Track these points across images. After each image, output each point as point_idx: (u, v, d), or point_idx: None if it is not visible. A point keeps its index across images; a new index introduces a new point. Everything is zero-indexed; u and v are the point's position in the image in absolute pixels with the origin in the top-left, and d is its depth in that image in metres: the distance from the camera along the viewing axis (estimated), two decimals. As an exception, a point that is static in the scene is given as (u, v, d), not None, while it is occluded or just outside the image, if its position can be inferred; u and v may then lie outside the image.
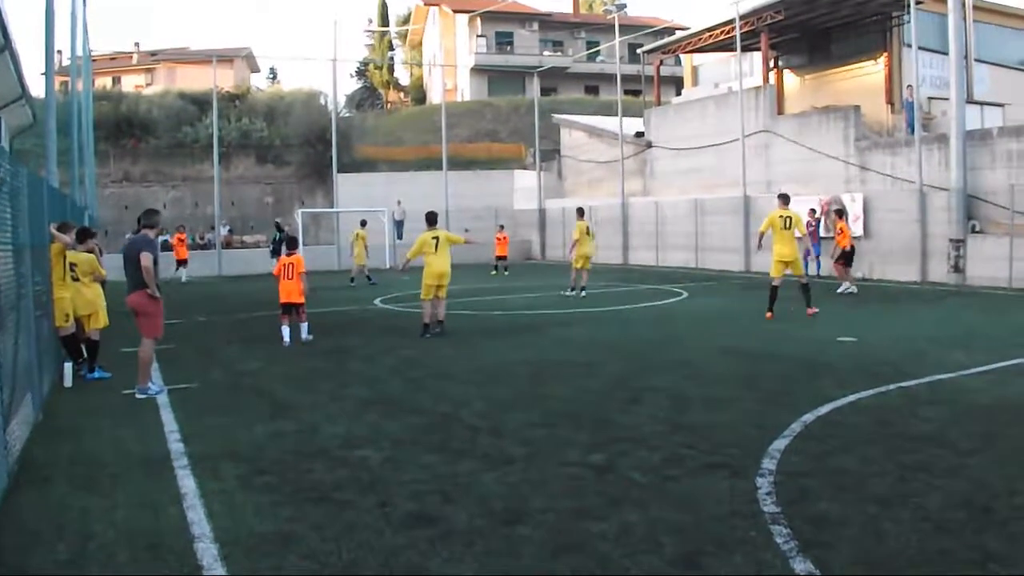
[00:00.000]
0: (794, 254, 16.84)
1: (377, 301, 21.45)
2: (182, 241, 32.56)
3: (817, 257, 26.37)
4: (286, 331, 14.59)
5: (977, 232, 23.53)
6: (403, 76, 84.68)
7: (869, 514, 5.67)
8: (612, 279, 27.71)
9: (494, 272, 31.15)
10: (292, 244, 15.67)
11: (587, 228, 22.14)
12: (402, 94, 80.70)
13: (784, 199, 17.30)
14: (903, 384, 10.03)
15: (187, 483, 6.69)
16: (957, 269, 23.46)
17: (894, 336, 14.18)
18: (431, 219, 15.72)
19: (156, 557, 5.26)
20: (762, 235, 17.16)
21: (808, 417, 8.35)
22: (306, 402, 9.83)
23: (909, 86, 27.99)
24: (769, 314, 16.69)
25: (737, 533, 5.37)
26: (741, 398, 9.53)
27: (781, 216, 16.78)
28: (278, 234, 33.39)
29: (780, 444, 7.37)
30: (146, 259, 9.98)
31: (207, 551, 5.28)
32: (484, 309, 19.45)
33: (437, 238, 15.28)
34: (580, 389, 10.24)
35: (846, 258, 22.08)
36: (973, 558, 4.95)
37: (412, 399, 9.86)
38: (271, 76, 78.66)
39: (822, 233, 26.77)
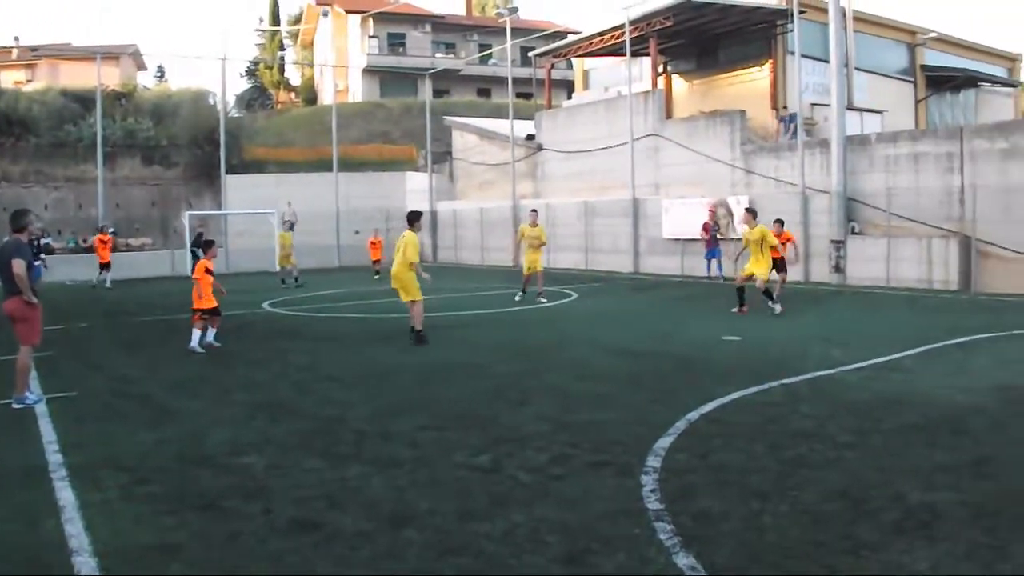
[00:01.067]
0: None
1: (266, 305, 21.13)
2: (105, 243, 30.32)
3: (719, 260, 26.88)
4: (197, 336, 13.96)
5: (857, 233, 24.30)
6: (294, 76, 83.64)
7: (750, 508, 5.80)
8: (503, 281, 27.76)
9: (376, 276, 30.56)
10: (208, 246, 15.02)
11: (527, 231, 21.22)
12: (293, 95, 79.63)
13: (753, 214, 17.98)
14: (785, 381, 10.26)
15: (65, 495, 6.46)
16: (838, 269, 24.19)
17: (777, 335, 14.52)
18: (411, 219, 14.60)
19: (33, 572, 5.10)
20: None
21: (693, 415, 8.48)
22: (191, 408, 9.60)
23: (784, 107, 28.80)
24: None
25: (622, 530, 5.43)
26: (628, 397, 9.65)
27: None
28: (197, 237, 32.64)
29: (665, 442, 7.47)
30: (18, 266, 9.43)
31: (85, 564, 5.13)
32: (374, 312, 19.33)
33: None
34: (469, 391, 10.23)
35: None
36: (847, 547, 5.11)
37: (299, 404, 9.71)
38: (158, 75, 77.00)
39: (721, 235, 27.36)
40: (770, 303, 16.97)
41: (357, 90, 67.51)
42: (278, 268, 29.75)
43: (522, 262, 21.15)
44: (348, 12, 68.28)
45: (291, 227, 33.09)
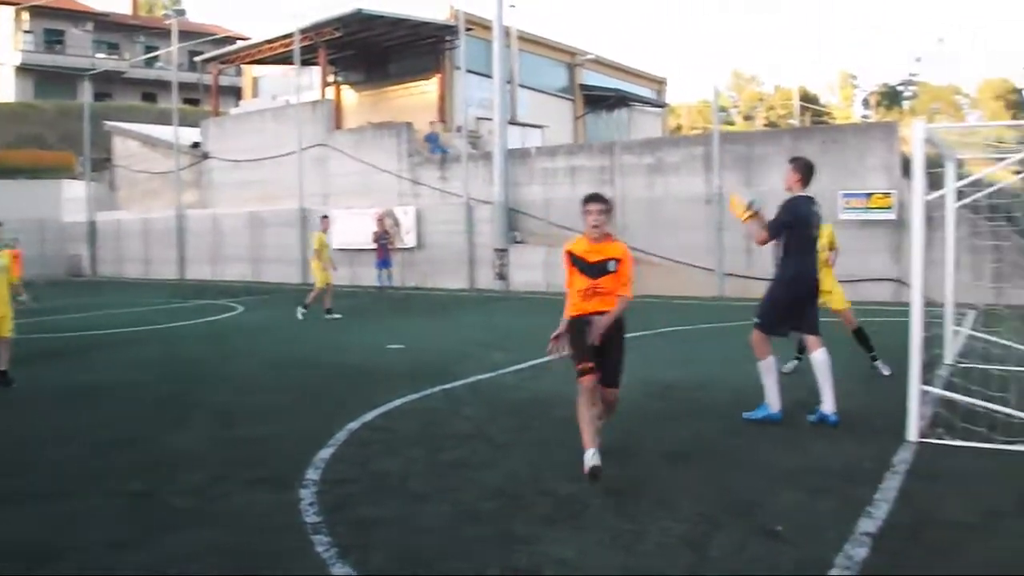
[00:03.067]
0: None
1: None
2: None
3: (389, 271, 26.96)
4: None
5: (519, 242, 25.32)
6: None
7: (409, 512, 5.82)
8: (167, 295, 26.65)
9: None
10: None
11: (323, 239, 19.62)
12: (-69, 92, 72.83)
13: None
14: (446, 386, 10.43)
15: None
16: (501, 276, 25.08)
17: (441, 341, 14.82)
18: None
19: None
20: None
21: (354, 424, 8.41)
22: None
23: (432, 122, 29.53)
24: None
25: (279, 546, 5.29)
26: (290, 410, 9.46)
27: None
28: None
29: (325, 453, 7.35)
30: None
31: None
32: (24, 332, 17.84)
33: None
34: (123, 413, 9.59)
35: None
36: (502, 543, 5.23)
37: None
38: None
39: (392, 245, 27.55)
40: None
41: (8, 89, 62.64)
42: None
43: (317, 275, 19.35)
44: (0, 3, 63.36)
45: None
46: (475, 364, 12.00)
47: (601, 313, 6.63)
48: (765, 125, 78.71)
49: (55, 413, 9.78)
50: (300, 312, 19.00)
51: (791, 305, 8.05)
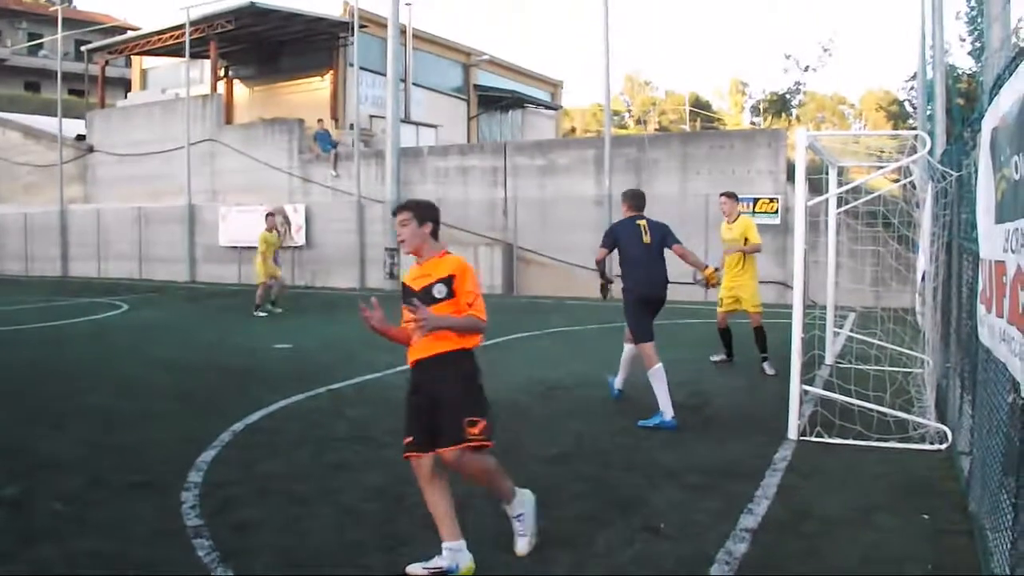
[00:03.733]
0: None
1: None
2: None
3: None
4: None
5: (410, 242, 25.16)
6: None
7: (292, 515, 5.75)
8: (48, 293, 25.83)
9: None
10: None
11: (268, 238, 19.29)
12: None
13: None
14: (333, 386, 10.34)
15: None
16: (392, 275, 24.94)
17: (330, 341, 14.67)
18: None
19: None
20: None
21: (238, 426, 8.26)
22: None
23: (320, 120, 29.25)
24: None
25: (160, 552, 5.17)
26: (173, 412, 9.23)
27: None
28: None
29: (208, 455, 7.20)
30: None
31: None
32: None
33: None
34: (-5, 415, 9.27)
35: None
36: (383, 545, 5.21)
37: None
38: None
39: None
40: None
41: None
42: None
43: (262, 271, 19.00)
44: None
45: None
46: (362, 365, 11.87)
47: (435, 357, 5.14)
48: (657, 129, 79.91)
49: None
50: (258, 314, 18.68)
51: (641, 308, 8.77)
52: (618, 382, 9.49)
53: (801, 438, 7.51)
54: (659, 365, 8.40)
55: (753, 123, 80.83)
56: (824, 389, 8.84)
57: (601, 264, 9.11)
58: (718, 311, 11.89)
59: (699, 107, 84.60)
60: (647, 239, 8.79)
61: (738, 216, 11.67)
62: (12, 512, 6.04)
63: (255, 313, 18.61)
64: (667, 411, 8.24)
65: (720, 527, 5.37)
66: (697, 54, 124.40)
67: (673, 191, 21.66)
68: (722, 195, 11.73)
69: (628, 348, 9.13)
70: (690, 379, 10.49)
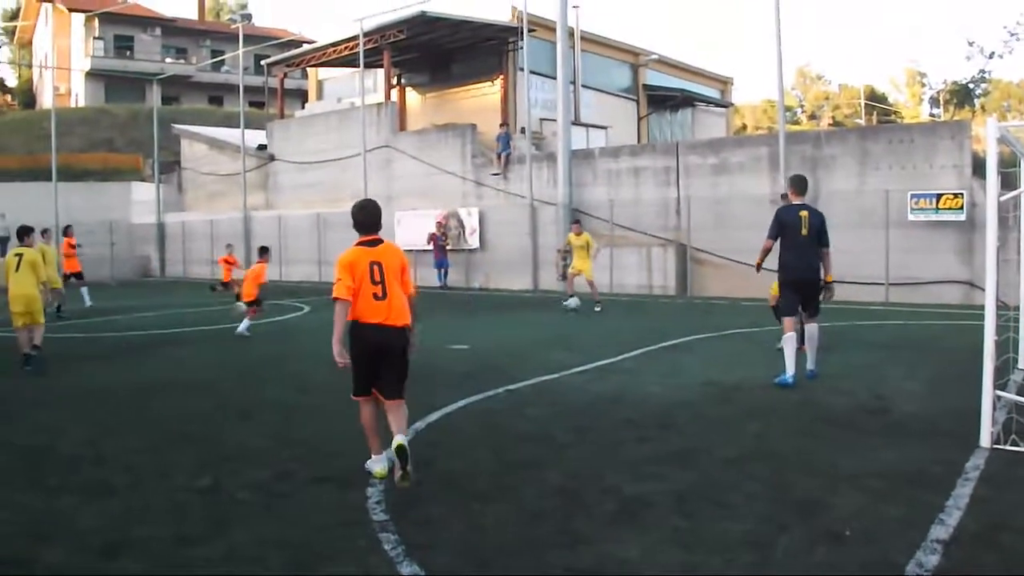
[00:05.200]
0: None
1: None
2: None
3: (446, 270, 27.53)
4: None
5: (582, 244, 25.21)
6: (9, 77, 78.32)
7: (472, 511, 5.84)
8: (234, 296, 26.96)
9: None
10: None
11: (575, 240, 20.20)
12: (8, 97, 74.51)
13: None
14: (510, 387, 10.45)
15: None
16: (565, 278, 24.98)
17: (505, 342, 14.85)
18: (20, 233, 13.62)
19: None
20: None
21: (419, 424, 8.44)
22: None
23: (503, 125, 29.46)
24: None
25: (345, 544, 5.33)
26: (354, 409, 9.50)
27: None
28: None
29: (390, 453, 7.42)
30: None
31: None
32: (96, 330, 18.30)
33: (20, 256, 12.84)
34: (189, 409, 9.75)
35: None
36: (564, 542, 5.23)
37: (3, 432, 8.85)
38: None
39: (450, 246, 27.89)
40: None
41: (80, 94, 64.06)
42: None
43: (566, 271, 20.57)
44: (71, 10, 64.71)
45: (4, 241, 30.62)
46: (538, 365, 12.00)
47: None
48: (831, 125, 77.71)
49: (123, 409, 9.97)
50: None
51: (793, 289, 10.25)
52: (808, 363, 10.48)
53: (994, 446, 7.15)
54: (792, 334, 10.09)
55: (932, 115, 77.70)
56: (1019, 395, 8.45)
57: (766, 253, 10.51)
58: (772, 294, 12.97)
59: (874, 100, 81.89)
60: (805, 232, 10.11)
61: None
62: (205, 499, 6.40)
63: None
64: (789, 371, 10.03)
65: (908, 536, 5.18)
66: (871, 45, 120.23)
67: (851, 188, 21.05)
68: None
69: (790, 337, 10.17)
70: (872, 382, 10.20)
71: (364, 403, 6.88)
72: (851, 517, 5.56)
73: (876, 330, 15.44)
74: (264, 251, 17.65)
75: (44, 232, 22.21)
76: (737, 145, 24.53)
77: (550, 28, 28.22)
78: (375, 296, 6.61)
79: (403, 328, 6.68)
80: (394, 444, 6.41)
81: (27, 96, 71.64)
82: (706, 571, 4.80)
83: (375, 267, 6.70)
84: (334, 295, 6.69)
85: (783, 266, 10.32)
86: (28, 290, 12.61)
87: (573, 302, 19.62)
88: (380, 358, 6.73)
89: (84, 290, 23.57)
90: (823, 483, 6.29)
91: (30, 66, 71.83)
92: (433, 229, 28.53)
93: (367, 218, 7.08)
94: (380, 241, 6.96)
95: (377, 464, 6.73)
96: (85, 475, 7.09)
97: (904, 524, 5.41)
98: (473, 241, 28.13)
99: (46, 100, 60.17)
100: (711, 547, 5.10)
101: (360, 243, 6.92)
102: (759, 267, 10.77)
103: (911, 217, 19.91)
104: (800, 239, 10.13)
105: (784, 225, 10.22)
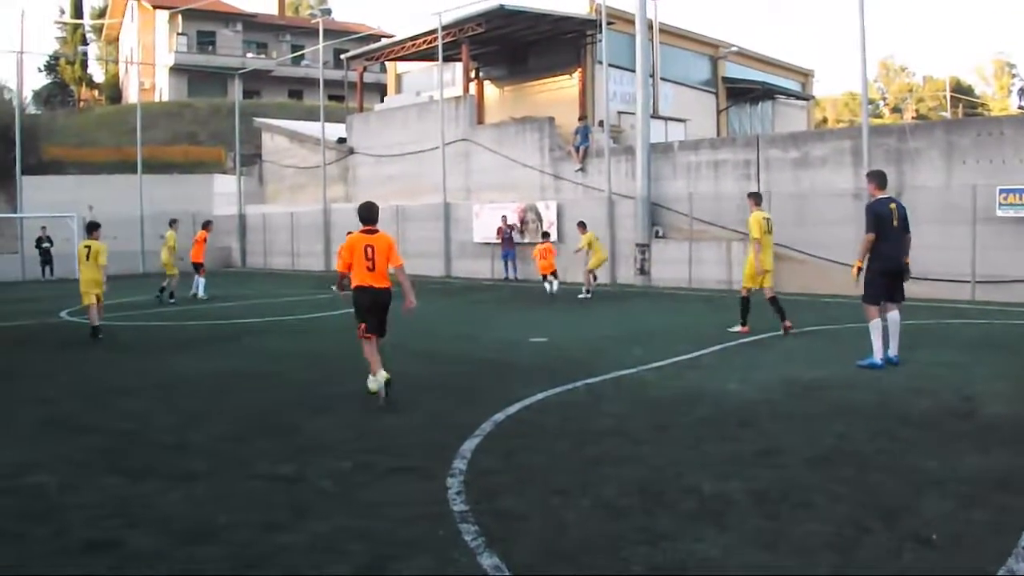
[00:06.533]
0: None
1: (63, 313, 20.09)
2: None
3: (513, 262, 27.72)
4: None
5: (660, 237, 25.12)
6: (97, 73, 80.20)
7: (552, 506, 5.88)
8: (312, 286, 27.37)
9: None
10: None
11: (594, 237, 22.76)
12: (96, 92, 76.30)
13: (757, 198, 15.37)
14: (589, 381, 10.47)
15: None
16: (643, 271, 24.94)
17: (583, 336, 14.83)
18: (89, 228, 16.54)
19: None
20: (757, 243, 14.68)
21: (499, 416, 8.53)
22: (-30, 425, 8.92)
23: (582, 118, 29.36)
24: (745, 327, 14.81)
25: (426, 534, 5.40)
26: (433, 401, 9.63)
27: (766, 219, 15.01)
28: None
29: (471, 444, 7.47)
30: None
31: None
32: (179, 320, 18.72)
33: (89, 247, 15.91)
34: (269, 399, 9.99)
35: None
36: (644, 539, 5.24)
37: (92, 418, 9.19)
38: (-54, 68, 72.53)
39: (518, 239, 28.00)
40: None
41: (164, 88, 65.51)
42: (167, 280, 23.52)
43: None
44: (156, 7, 66.14)
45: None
46: (616, 360, 12.00)
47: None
48: (914, 117, 76.18)
49: (204, 397, 10.27)
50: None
51: (882, 278, 10.90)
52: (892, 350, 11.10)
53: (1088, 451, 6.99)
54: (877, 320, 10.93)
55: (1022, 107, 75.72)
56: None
57: (869, 247, 10.86)
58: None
59: (960, 92, 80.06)
60: (896, 223, 10.84)
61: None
62: (287, 487, 6.56)
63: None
64: (877, 355, 10.92)
65: (998, 543, 5.06)
66: (956, 35, 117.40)
67: (937, 182, 20.59)
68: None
69: (875, 323, 11.00)
70: (958, 383, 9.99)
71: (366, 341, 9.83)
72: (938, 522, 5.46)
73: (962, 329, 15.14)
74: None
75: (173, 222, 24.67)
76: (819, 139, 24.15)
77: (628, 20, 28.07)
78: (368, 268, 9.68)
79: (386, 289, 9.84)
80: (384, 377, 9.49)
81: (113, 91, 73.27)
82: (788, 572, 4.77)
83: (368, 248, 9.71)
84: (338, 269, 10.17)
85: (877, 256, 10.85)
86: (95, 275, 15.76)
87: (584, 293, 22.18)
88: (370, 307, 9.78)
89: (201, 281, 24.50)
90: (908, 486, 6.20)
91: (116, 62, 73.42)
92: (500, 223, 28.71)
93: (368, 215, 10.13)
94: (375, 231, 9.95)
95: (373, 383, 9.70)
96: (170, 461, 7.31)
97: (993, 530, 5.30)
98: (552, 234, 28.15)
99: (132, 95, 61.51)
100: (793, 548, 5.07)
101: (362, 231, 9.91)
102: (859, 270, 11.04)
103: (999, 213, 19.41)
104: (892, 230, 10.82)
105: (880, 217, 10.80)
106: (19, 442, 8.18)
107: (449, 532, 5.42)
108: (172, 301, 22.70)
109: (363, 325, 9.75)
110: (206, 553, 5.22)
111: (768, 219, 15.04)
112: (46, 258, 34.88)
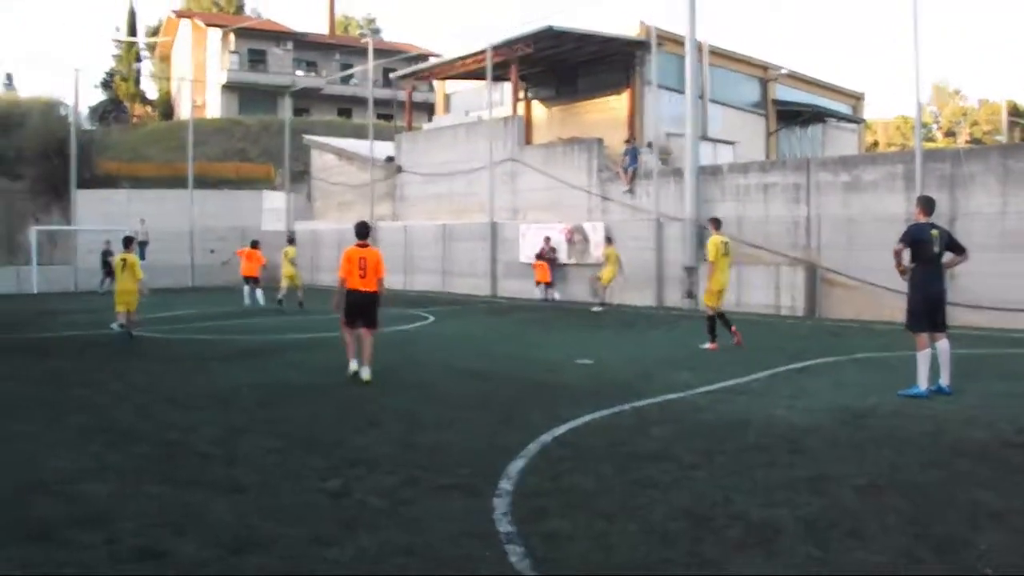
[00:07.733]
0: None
1: (114, 325, 20.28)
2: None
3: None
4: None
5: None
6: (150, 90, 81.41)
7: (598, 529, 5.84)
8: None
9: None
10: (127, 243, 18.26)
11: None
12: (149, 108, 77.46)
13: (716, 223, 16.87)
14: (636, 404, 10.41)
15: None
16: (690, 295, 24.77)
17: (630, 358, 14.76)
18: (125, 242, 18.39)
19: None
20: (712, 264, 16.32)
21: (546, 437, 8.50)
22: (22, 432, 9.09)
23: (628, 140, 29.30)
24: (714, 344, 16.20)
25: (472, 553, 5.39)
26: (479, 420, 9.62)
27: (724, 242, 16.39)
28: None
29: (517, 464, 7.46)
30: None
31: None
32: (226, 333, 18.89)
33: (125, 260, 17.39)
34: (316, 413, 10.05)
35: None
36: (691, 564, 5.19)
37: (140, 427, 9.32)
38: (7, 82, 74.01)
39: (564, 260, 27.98)
40: None
41: (215, 106, 66.31)
42: (284, 291, 25.75)
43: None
44: (208, 26, 67.14)
45: (144, 245, 32.11)
46: (664, 383, 11.93)
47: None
48: (968, 142, 75.25)
49: (253, 410, 10.33)
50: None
51: (924, 304, 10.84)
52: (944, 380, 10.92)
53: None
54: (928, 350, 10.75)
55: (1082, 132, 74.51)
56: None
57: (899, 256, 10.83)
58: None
59: (1017, 115, 78.93)
60: (937, 249, 10.80)
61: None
62: (334, 501, 6.57)
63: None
64: (922, 384, 10.73)
65: (1056, 578, 4.96)
66: (1012, 58, 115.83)
67: (993, 209, 20.25)
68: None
69: (925, 353, 10.82)
70: (1016, 414, 9.77)
71: (348, 331, 12.52)
72: (994, 556, 5.35)
73: (1018, 359, 14.87)
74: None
75: (291, 239, 28.17)
76: (870, 162, 23.89)
77: (678, 42, 28.03)
78: (360, 276, 12.13)
79: (373, 292, 12.28)
80: (364, 378, 12.02)
81: (166, 107, 74.28)
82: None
83: (361, 259, 12.16)
84: (339, 275, 12.39)
85: (917, 283, 10.89)
86: (130, 286, 17.27)
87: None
88: (359, 306, 12.29)
89: (259, 292, 26.45)
90: (963, 518, 6.07)
91: (169, 79, 74.47)
92: (543, 244, 28.63)
93: (362, 230, 12.51)
94: (367, 245, 12.38)
95: (353, 364, 12.36)
96: (216, 472, 7.38)
97: (1051, 565, 5.18)
98: (598, 256, 28.06)
99: (183, 111, 62.28)
100: (845, 579, 4.98)
101: (356, 245, 12.30)
102: (904, 272, 11.05)
103: (1057, 241, 19.07)
104: (933, 255, 10.80)
105: (918, 241, 10.79)
106: (70, 450, 8.28)
107: (496, 552, 5.39)
108: (301, 308, 24.88)
109: (344, 320, 12.51)
110: (253, 563, 5.25)
111: (726, 243, 16.35)
112: (108, 270, 35.45)
